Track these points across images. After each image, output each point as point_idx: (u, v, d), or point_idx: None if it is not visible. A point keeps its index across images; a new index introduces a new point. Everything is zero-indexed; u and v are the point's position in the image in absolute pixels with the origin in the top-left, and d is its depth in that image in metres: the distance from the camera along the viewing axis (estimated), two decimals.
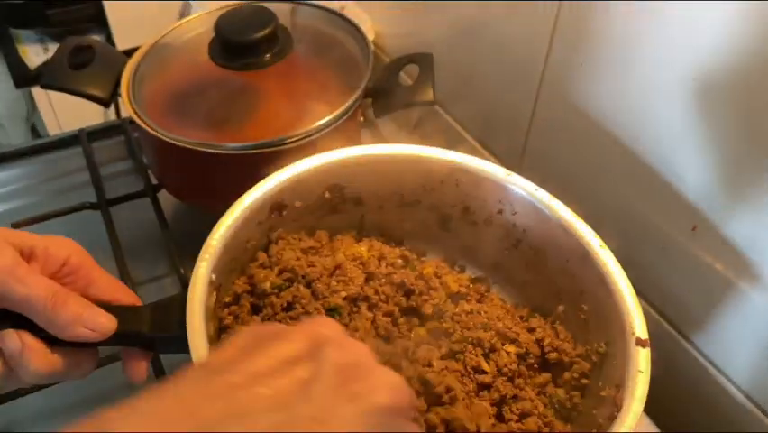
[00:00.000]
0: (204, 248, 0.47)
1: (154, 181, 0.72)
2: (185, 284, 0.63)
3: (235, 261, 0.51)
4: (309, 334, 0.26)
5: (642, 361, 0.42)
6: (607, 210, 0.55)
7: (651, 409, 0.57)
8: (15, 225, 0.67)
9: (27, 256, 0.43)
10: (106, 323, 0.43)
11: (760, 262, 0.52)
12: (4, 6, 1.05)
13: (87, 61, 0.68)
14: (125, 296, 0.47)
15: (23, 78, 1.08)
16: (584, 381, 0.47)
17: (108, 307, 0.44)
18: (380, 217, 0.59)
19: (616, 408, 0.40)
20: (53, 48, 1.11)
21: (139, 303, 0.47)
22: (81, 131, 0.79)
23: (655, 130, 0.57)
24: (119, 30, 1.03)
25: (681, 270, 0.59)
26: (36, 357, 0.41)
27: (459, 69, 0.77)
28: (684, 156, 0.55)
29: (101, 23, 1.06)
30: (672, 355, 0.62)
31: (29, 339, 0.41)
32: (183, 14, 1.06)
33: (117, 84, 0.67)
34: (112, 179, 0.77)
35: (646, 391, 0.40)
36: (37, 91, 1.10)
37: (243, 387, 0.23)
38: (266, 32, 0.64)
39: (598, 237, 0.49)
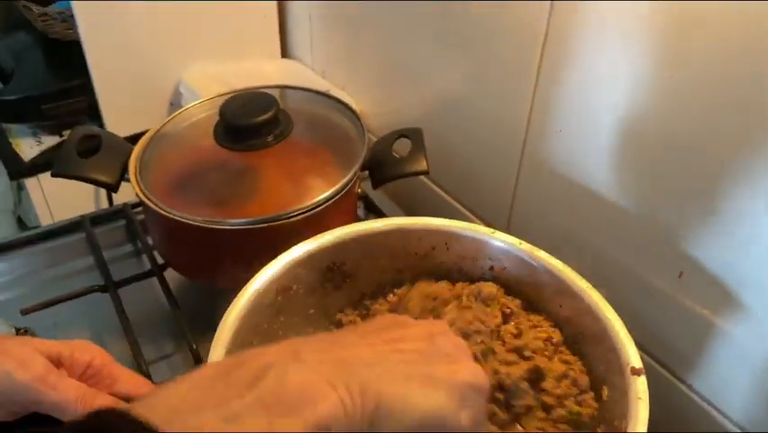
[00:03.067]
0: (218, 332, 0.50)
1: (160, 261, 0.75)
2: (197, 358, 0.65)
3: (249, 345, 0.53)
4: (427, 326, 0.37)
5: (639, 389, 0.45)
6: (594, 263, 0.59)
7: None
8: (25, 312, 0.68)
9: (55, 363, 0.48)
10: None
11: (745, 302, 0.56)
12: None
13: (93, 149, 0.72)
14: (146, 387, 0.52)
15: (18, 170, 1.11)
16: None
17: (131, 400, 0.48)
18: (379, 290, 0.62)
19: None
20: (46, 140, 1.14)
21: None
22: (83, 217, 0.82)
23: (633, 183, 0.62)
24: (110, 120, 1.07)
25: (670, 315, 0.63)
26: None
27: (442, 142, 0.83)
28: (666, 204, 0.59)
29: (92, 114, 1.10)
30: (667, 396, 0.64)
31: None
32: (173, 103, 1.11)
33: (123, 169, 0.71)
34: (114, 262, 0.79)
35: (647, 417, 0.43)
36: (30, 182, 1.13)
37: (388, 346, 0.34)
38: (268, 115, 0.68)
39: (583, 279, 0.53)
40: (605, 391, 0.50)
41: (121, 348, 0.68)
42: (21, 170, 1.11)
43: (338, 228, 0.59)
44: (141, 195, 0.67)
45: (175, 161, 0.71)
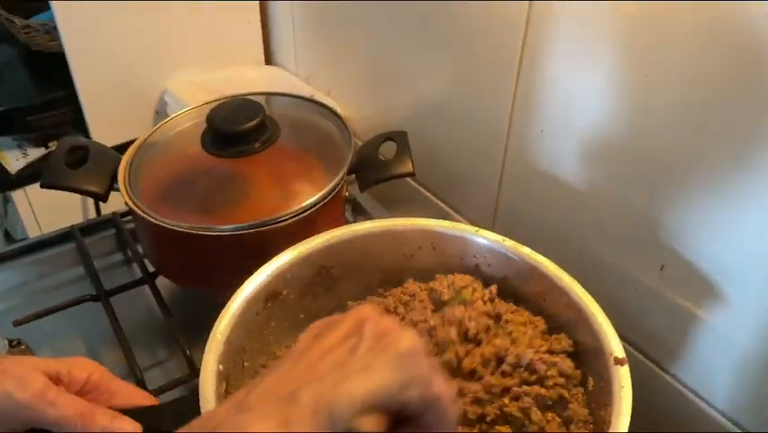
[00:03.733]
0: (209, 342, 0.51)
1: (151, 269, 0.75)
2: (191, 364, 0.66)
3: (241, 350, 0.54)
4: (354, 317, 0.37)
5: (623, 378, 0.46)
6: (578, 259, 0.60)
7: None
8: (17, 324, 0.68)
9: (54, 380, 0.49)
10: (131, 428, 0.48)
11: (726, 293, 0.58)
12: None
13: (81, 160, 0.72)
14: (144, 399, 0.52)
15: (4, 182, 1.11)
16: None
17: (130, 411, 0.49)
18: (368, 292, 0.63)
19: (606, 424, 0.44)
20: (32, 152, 1.15)
21: (156, 403, 0.53)
22: (73, 227, 0.82)
23: (614, 179, 0.63)
24: (97, 130, 1.07)
25: (653, 307, 0.64)
26: None
27: (427, 144, 0.84)
28: (647, 199, 0.61)
29: (78, 125, 1.10)
30: (651, 386, 0.66)
31: None
32: (159, 112, 1.11)
33: (112, 179, 0.71)
34: (104, 271, 0.79)
35: (630, 406, 0.44)
36: (17, 195, 1.13)
37: (318, 360, 0.35)
38: (255, 122, 0.69)
39: (566, 274, 0.55)
40: (590, 382, 0.52)
41: (114, 356, 0.68)
42: (7, 183, 1.11)
43: (326, 232, 0.60)
44: (131, 203, 0.67)
45: (163, 169, 0.72)
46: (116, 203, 0.85)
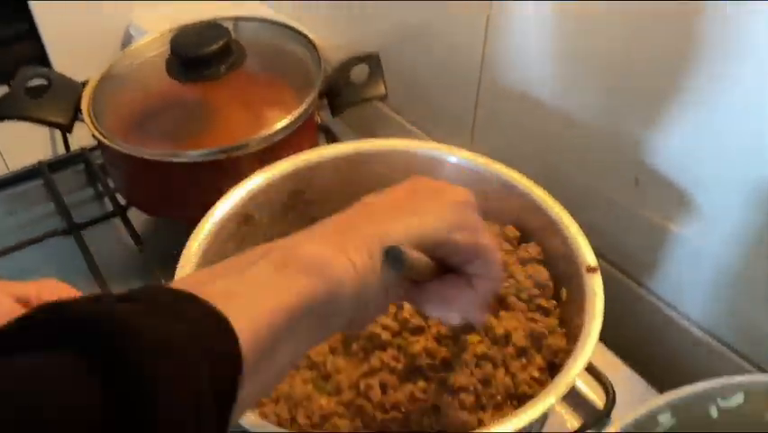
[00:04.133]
0: (181, 261, 0.50)
1: (122, 202, 0.74)
2: None
3: None
4: (410, 181, 0.40)
5: (595, 285, 0.47)
6: (554, 179, 0.60)
7: (616, 349, 0.63)
8: None
9: (23, 303, 0.47)
10: None
11: (697, 203, 0.58)
12: None
13: (42, 91, 0.70)
14: None
15: None
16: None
17: None
18: None
19: (579, 329, 0.45)
20: None
21: None
22: (41, 163, 0.80)
23: (587, 93, 0.62)
24: (60, 67, 1.03)
25: (628, 223, 0.64)
26: None
27: (400, 70, 0.82)
28: (620, 112, 0.60)
29: (40, 61, 1.06)
30: (628, 300, 0.67)
31: None
32: (125, 45, 1.07)
33: (76, 110, 0.69)
34: (74, 207, 0.77)
35: (602, 311, 0.45)
36: None
37: (377, 208, 0.38)
38: (220, 44, 0.67)
39: (539, 188, 0.54)
40: (564, 293, 0.52)
41: (90, 291, 0.67)
42: None
43: (295, 155, 0.59)
44: (97, 133, 0.65)
45: (129, 98, 0.70)
46: (85, 137, 0.83)
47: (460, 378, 0.44)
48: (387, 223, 0.35)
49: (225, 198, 0.55)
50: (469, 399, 0.44)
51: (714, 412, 0.37)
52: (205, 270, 0.34)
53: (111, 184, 0.76)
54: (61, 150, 0.90)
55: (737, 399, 0.37)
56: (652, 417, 0.36)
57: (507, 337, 0.47)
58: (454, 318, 0.39)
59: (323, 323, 0.33)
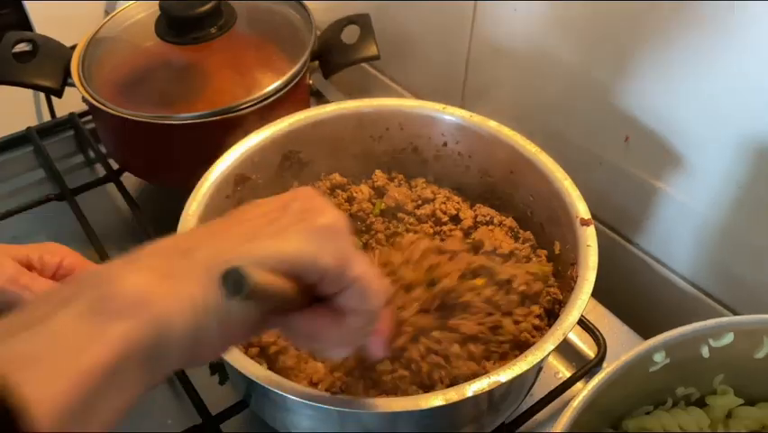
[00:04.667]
0: (181, 222, 0.51)
1: (115, 167, 0.74)
2: None
3: None
4: (289, 195, 0.36)
5: (589, 237, 0.48)
6: (545, 137, 0.61)
7: (606, 303, 0.64)
8: None
9: (26, 266, 0.48)
10: None
11: (685, 160, 0.59)
12: None
13: (31, 56, 0.69)
14: None
15: None
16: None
17: None
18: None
19: (572, 279, 0.46)
20: None
21: None
22: (30, 129, 0.79)
23: (579, 49, 0.63)
24: (43, 32, 1.02)
25: (617, 181, 0.66)
26: None
27: (389, 31, 0.82)
28: (612, 69, 0.61)
29: (23, 28, 1.04)
30: (617, 257, 0.68)
31: None
32: (108, 12, 1.06)
33: (65, 74, 0.68)
34: (65, 174, 0.77)
35: (596, 261, 0.46)
36: None
37: (233, 226, 0.34)
38: (209, 5, 0.66)
39: (533, 144, 0.55)
40: (557, 246, 0.53)
41: (87, 256, 0.67)
42: None
43: (291, 115, 0.59)
44: (89, 96, 0.65)
45: (118, 61, 0.69)
46: (72, 104, 0.82)
47: (470, 325, 0.45)
48: (235, 244, 0.31)
49: (222, 159, 0.55)
50: (478, 349, 0.45)
51: (705, 352, 0.39)
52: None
53: (103, 150, 0.76)
54: (46, 117, 0.89)
55: (727, 338, 0.39)
56: (647, 355, 0.37)
57: (509, 282, 0.48)
58: (326, 352, 0.36)
59: (151, 367, 0.28)
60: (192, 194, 0.53)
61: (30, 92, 0.91)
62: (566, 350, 0.61)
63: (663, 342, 0.37)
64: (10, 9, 1.04)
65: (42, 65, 0.68)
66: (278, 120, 0.59)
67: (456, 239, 0.55)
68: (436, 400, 0.39)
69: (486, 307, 0.46)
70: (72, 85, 0.68)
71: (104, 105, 0.64)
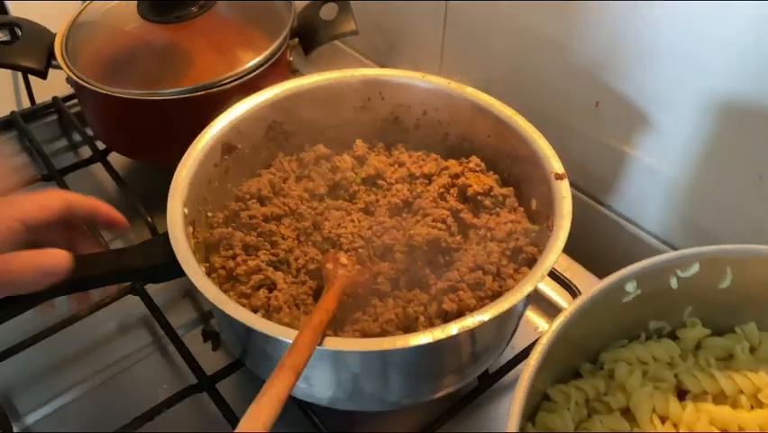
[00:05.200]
0: (172, 187, 0.52)
1: (101, 147, 0.75)
2: (153, 230, 0.67)
3: (204, 199, 0.56)
4: None
5: (563, 189, 0.50)
6: (520, 106, 0.63)
7: (583, 262, 0.67)
8: None
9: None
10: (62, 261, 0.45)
11: (653, 122, 0.62)
12: None
13: (13, 39, 0.70)
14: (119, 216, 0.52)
15: None
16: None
17: (105, 253, 0.50)
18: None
19: (549, 229, 0.49)
20: None
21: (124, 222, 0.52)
22: (14, 113, 0.80)
23: (550, 14, 0.65)
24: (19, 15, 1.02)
25: (588, 146, 0.68)
26: None
27: (366, 9, 0.84)
28: (580, 33, 0.63)
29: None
30: (590, 219, 0.71)
31: None
32: None
33: (49, 56, 0.70)
34: (51, 157, 0.78)
35: (570, 211, 0.48)
36: None
37: None
38: None
39: (508, 108, 0.58)
40: (533, 203, 0.56)
41: None
42: None
43: (275, 85, 0.61)
44: (74, 76, 0.66)
45: (102, 42, 0.71)
46: (52, 89, 0.83)
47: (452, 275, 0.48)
48: None
49: (211, 126, 0.57)
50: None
51: (674, 283, 0.42)
52: None
53: (89, 133, 0.77)
54: (26, 103, 0.90)
55: (694, 269, 0.41)
56: (620, 284, 0.40)
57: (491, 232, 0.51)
58: None
59: None
60: (182, 160, 0.54)
61: (9, 78, 0.91)
62: (544, 304, 0.64)
63: (634, 271, 0.40)
64: None
65: (25, 47, 0.69)
66: (262, 91, 0.60)
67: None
68: (424, 337, 0.42)
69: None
70: (56, 67, 0.69)
71: (89, 83, 0.65)
